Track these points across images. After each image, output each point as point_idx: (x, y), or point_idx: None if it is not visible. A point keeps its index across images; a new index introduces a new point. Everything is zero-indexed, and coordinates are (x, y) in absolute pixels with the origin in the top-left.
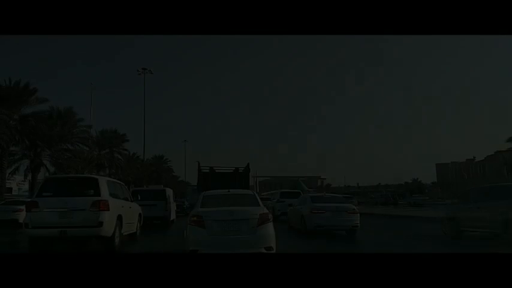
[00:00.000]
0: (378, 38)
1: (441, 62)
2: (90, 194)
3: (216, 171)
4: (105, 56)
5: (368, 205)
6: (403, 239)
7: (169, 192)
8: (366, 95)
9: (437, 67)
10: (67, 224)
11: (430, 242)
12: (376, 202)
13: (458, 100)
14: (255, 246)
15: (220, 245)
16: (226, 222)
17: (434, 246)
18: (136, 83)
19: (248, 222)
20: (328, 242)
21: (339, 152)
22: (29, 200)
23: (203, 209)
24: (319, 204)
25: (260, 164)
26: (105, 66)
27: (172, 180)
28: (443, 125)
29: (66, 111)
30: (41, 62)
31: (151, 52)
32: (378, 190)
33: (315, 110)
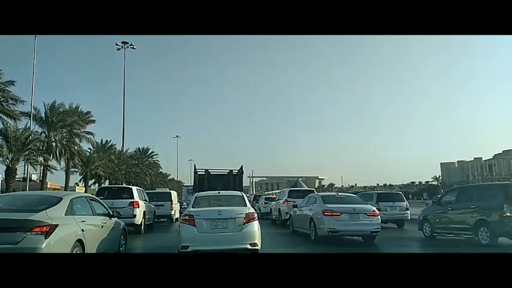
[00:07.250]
0: (376, 37)
1: (447, 61)
2: (127, 197)
3: (211, 173)
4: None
5: None
6: None
7: (174, 194)
8: (365, 94)
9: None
10: None
11: None
12: None
13: (461, 99)
14: (240, 242)
15: (208, 241)
16: (215, 221)
17: None
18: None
19: (235, 220)
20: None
21: (337, 152)
22: None
23: (194, 209)
24: (333, 205)
25: (257, 165)
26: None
27: (159, 177)
28: (445, 124)
29: None
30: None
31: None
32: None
33: (315, 109)
